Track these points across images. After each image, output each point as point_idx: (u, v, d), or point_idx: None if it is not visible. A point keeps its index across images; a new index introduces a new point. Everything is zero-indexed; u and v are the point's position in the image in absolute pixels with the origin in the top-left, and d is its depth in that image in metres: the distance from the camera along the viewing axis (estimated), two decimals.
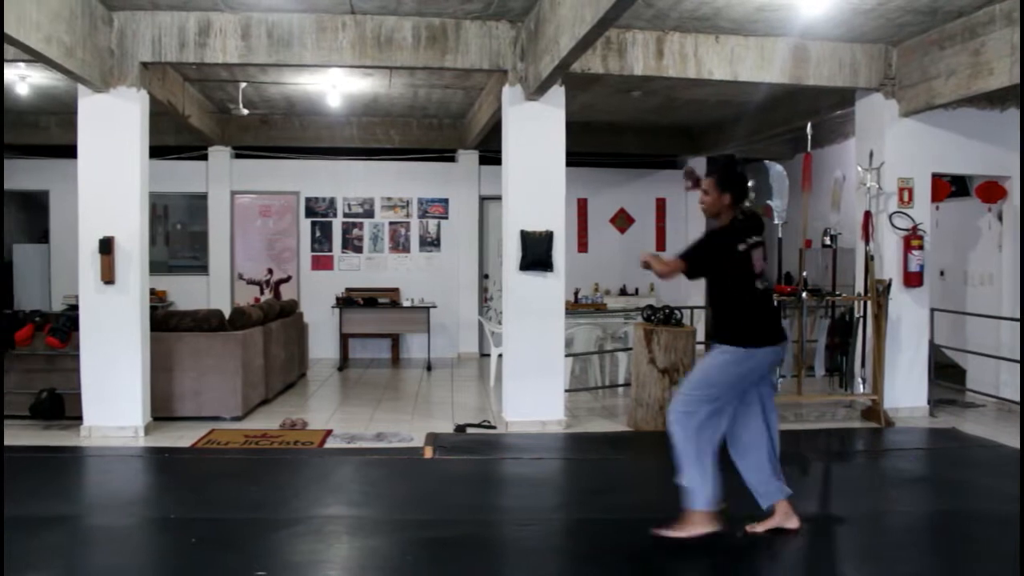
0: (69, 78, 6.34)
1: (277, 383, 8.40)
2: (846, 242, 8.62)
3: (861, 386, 7.46)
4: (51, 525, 4.49)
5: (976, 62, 6.38)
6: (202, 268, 11.65)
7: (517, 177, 6.94)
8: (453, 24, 6.78)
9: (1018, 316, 7.44)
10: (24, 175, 11.34)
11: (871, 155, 7.48)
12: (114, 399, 6.58)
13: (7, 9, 4.88)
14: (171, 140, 10.71)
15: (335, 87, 9.20)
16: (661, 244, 12.33)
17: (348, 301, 10.89)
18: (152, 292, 8.57)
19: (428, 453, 6.15)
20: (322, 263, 11.77)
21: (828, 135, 10.76)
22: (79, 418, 6.65)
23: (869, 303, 7.38)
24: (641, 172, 12.21)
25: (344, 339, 11.04)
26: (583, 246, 12.15)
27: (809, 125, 7.88)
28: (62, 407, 6.82)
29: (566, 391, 7.24)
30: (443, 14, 6.68)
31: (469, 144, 11.33)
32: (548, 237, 6.85)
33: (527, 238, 6.83)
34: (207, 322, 7.34)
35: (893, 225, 7.44)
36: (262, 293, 11.62)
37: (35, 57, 5.54)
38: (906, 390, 7.51)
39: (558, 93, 6.88)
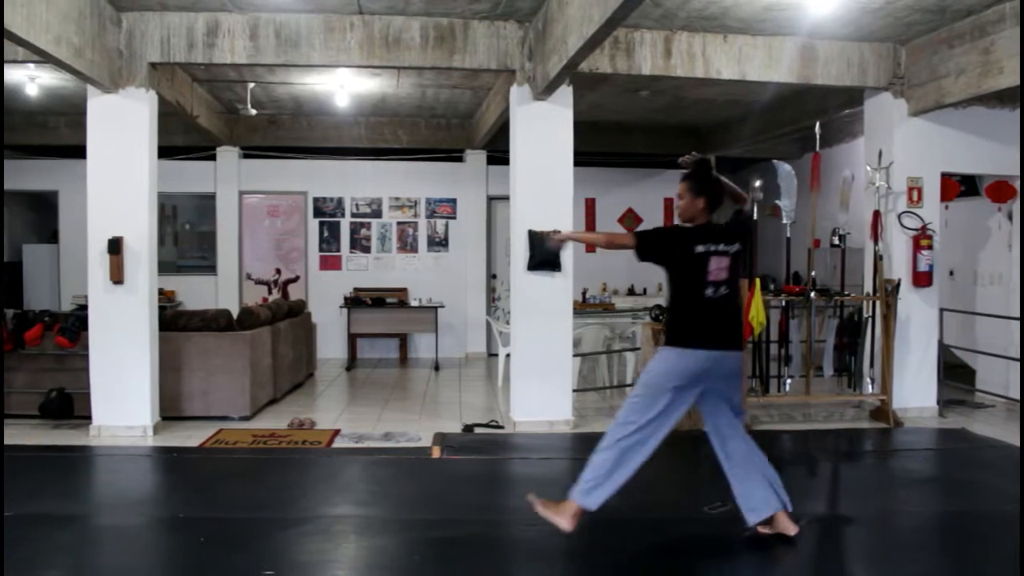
0: (78, 79, 6.36)
1: (285, 383, 8.41)
2: (855, 242, 8.60)
3: (870, 386, 7.43)
4: (60, 524, 4.51)
5: (986, 61, 6.35)
6: (210, 268, 11.67)
7: (525, 177, 6.94)
8: (461, 24, 6.78)
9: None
10: (33, 175, 11.39)
11: (880, 154, 7.45)
12: (123, 399, 6.60)
13: (17, 11, 4.91)
14: (179, 140, 10.74)
15: (343, 87, 9.21)
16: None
17: (356, 301, 10.90)
18: (161, 292, 8.61)
19: (436, 453, 6.15)
20: (330, 263, 11.78)
21: (837, 134, 10.73)
22: (88, 417, 6.67)
23: (878, 303, 7.35)
24: (649, 172, 12.19)
25: (352, 339, 11.06)
26: (591, 246, 12.13)
27: (817, 124, 7.85)
28: (71, 406, 6.85)
29: (574, 391, 7.23)
30: (451, 14, 6.68)
31: (477, 144, 11.33)
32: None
33: (535, 238, 6.82)
34: (215, 322, 7.35)
35: (902, 225, 7.42)
36: (270, 293, 11.64)
37: (44, 58, 5.57)
38: (915, 390, 7.48)
39: (566, 93, 6.87)
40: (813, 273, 7.66)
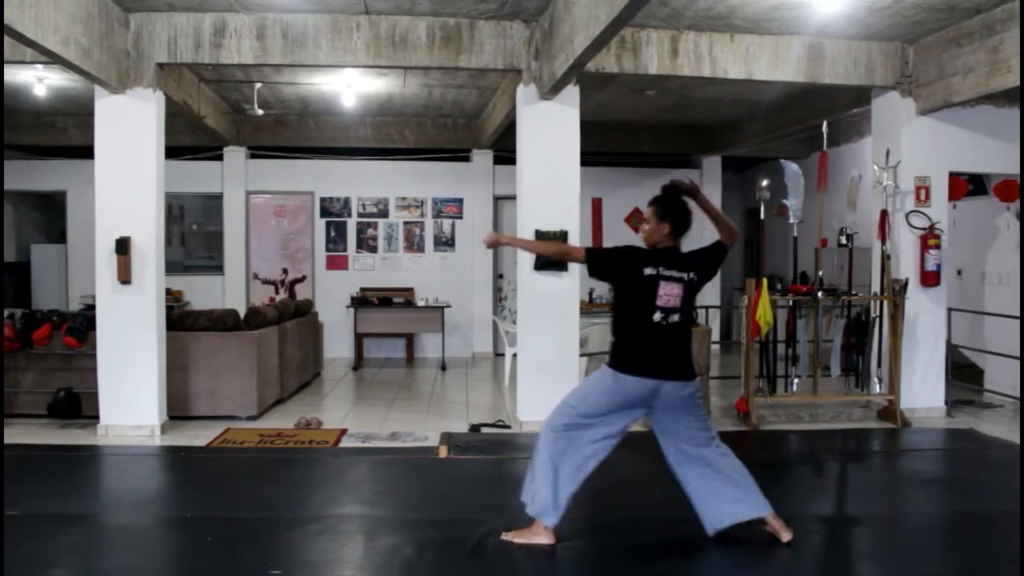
0: (86, 79, 6.37)
1: (292, 382, 8.43)
2: (862, 241, 8.57)
3: (877, 386, 7.41)
4: (68, 523, 4.52)
5: (995, 59, 6.33)
6: (217, 268, 11.70)
7: (531, 177, 6.93)
8: (467, 24, 6.78)
9: None
10: (42, 176, 11.44)
11: (887, 153, 7.44)
12: (130, 398, 6.62)
13: (25, 12, 4.93)
14: (186, 140, 10.77)
15: (350, 87, 9.23)
16: None
17: (363, 301, 10.91)
18: (168, 292, 8.63)
19: (442, 452, 6.16)
20: (337, 263, 11.79)
21: (844, 134, 10.70)
22: (96, 417, 6.69)
23: (885, 303, 7.33)
24: (655, 171, 12.15)
25: (359, 339, 11.07)
26: (598, 246, 12.12)
27: (825, 124, 7.84)
28: (79, 406, 6.87)
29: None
30: (457, 14, 6.68)
31: (483, 144, 11.33)
32: (563, 237, 6.84)
33: (542, 238, 6.81)
34: (222, 322, 7.37)
35: (910, 224, 7.40)
36: (277, 293, 11.66)
37: (53, 59, 5.59)
38: (923, 390, 7.46)
39: (572, 92, 6.87)
40: (820, 273, 7.64)
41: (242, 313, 7.73)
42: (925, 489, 5.53)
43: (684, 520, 4.16)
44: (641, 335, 4.02)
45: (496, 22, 6.80)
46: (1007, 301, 8.35)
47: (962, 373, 8.37)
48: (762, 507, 4.11)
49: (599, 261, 4.16)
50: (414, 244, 11.89)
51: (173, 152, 8.12)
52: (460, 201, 11.92)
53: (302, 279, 11.77)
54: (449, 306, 10.93)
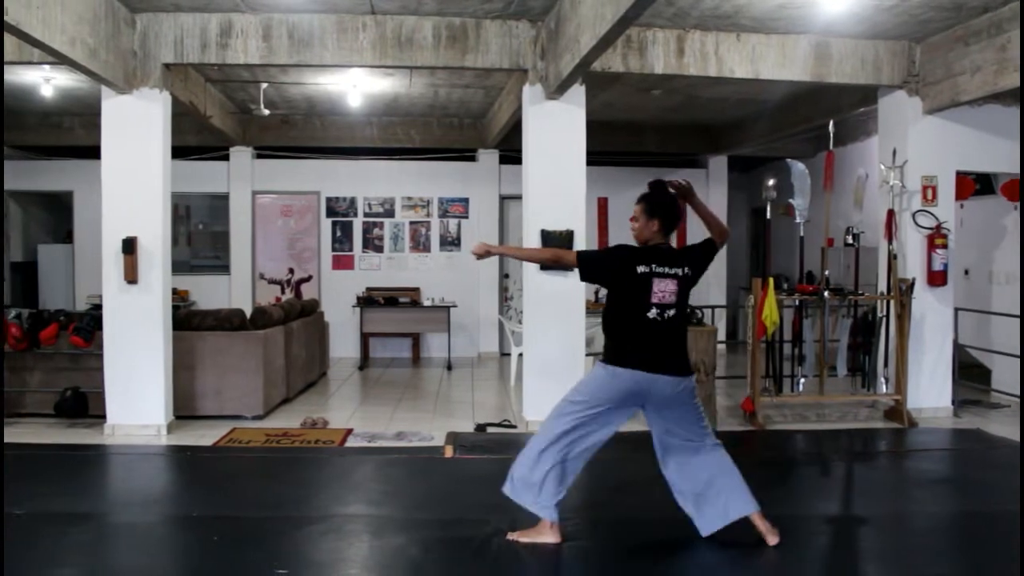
0: (93, 80, 6.39)
1: (298, 382, 8.44)
2: (869, 241, 8.55)
3: (884, 386, 7.39)
4: (75, 522, 4.53)
5: (1003, 58, 6.30)
6: (224, 268, 11.72)
7: (537, 176, 6.93)
8: (473, 24, 6.78)
9: None
10: (48, 176, 11.48)
11: (894, 153, 7.42)
12: (137, 398, 6.63)
13: (33, 13, 4.95)
14: (193, 140, 10.79)
15: (356, 87, 9.23)
16: (681, 243, 12.22)
17: (369, 300, 10.92)
18: (174, 292, 8.65)
19: (448, 452, 6.16)
20: (343, 263, 11.81)
21: (851, 133, 10.67)
22: (103, 416, 6.71)
23: (892, 302, 7.31)
24: (661, 171, 12.01)
25: (365, 338, 11.08)
26: (603, 245, 12.10)
27: (831, 123, 7.82)
28: (86, 405, 6.88)
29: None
30: (463, 14, 6.68)
31: (489, 143, 11.33)
32: (568, 236, 6.84)
33: (547, 237, 6.82)
34: (229, 321, 7.38)
35: (916, 223, 7.38)
36: (283, 292, 11.68)
37: (60, 59, 5.60)
38: (930, 390, 7.44)
39: (578, 92, 6.86)
40: (827, 272, 7.62)
41: (248, 313, 7.74)
42: (932, 489, 5.52)
43: (689, 519, 4.16)
44: (636, 332, 4.01)
45: (502, 22, 6.80)
46: (1014, 301, 8.32)
47: (969, 373, 8.34)
48: (749, 505, 4.09)
49: (590, 264, 4.16)
50: (420, 244, 11.90)
51: (179, 152, 8.14)
52: (466, 201, 11.92)
53: (308, 279, 11.79)
54: (455, 306, 10.93)
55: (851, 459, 6.27)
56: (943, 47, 6.97)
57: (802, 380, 7.37)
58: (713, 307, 10.53)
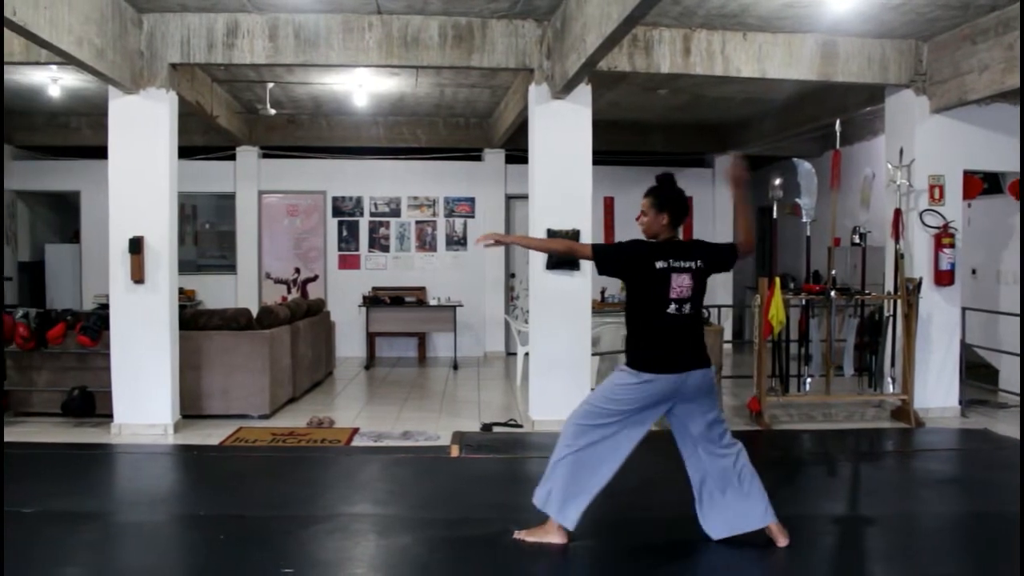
0: (100, 80, 6.41)
1: (304, 381, 8.45)
2: (875, 240, 8.53)
3: (891, 386, 7.38)
4: (82, 521, 4.54)
5: (1010, 56, 6.28)
6: (230, 267, 11.74)
7: (543, 176, 6.93)
8: (479, 23, 6.78)
9: None
10: (56, 176, 11.51)
11: (901, 152, 7.40)
12: (144, 397, 6.64)
13: (40, 13, 4.96)
14: (199, 140, 10.81)
15: (362, 87, 9.24)
16: (688, 236, 12.22)
17: (375, 300, 10.93)
18: (181, 291, 8.66)
19: (454, 452, 6.16)
20: (349, 262, 11.82)
21: (857, 132, 10.65)
22: (110, 416, 6.72)
23: (899, 302, 7.29)
24: (667, 170, 12.12)
25: (371, 338, 11.09)
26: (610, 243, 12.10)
27: (838, 122, 7.80)
28: (93, 405, 6.90)
29: (593, 390, 7.20)
30: (469, 13, 6.68)
31: (495, 143, 11.33)
32: (575, 236, 6.83)
33: (554, 237, 6.81)
34: (235, 321, 7.39)
35: (923, 223, 7.35)
36: (289, 292, 11.70)
37: (67, 59, 5.62)
38: (937, 390, 7.42)
39: (584, 92, 6.86)
40: (833, 272, 7.61)
41: (255, 312, 7.75)
42: (939, 489, 5.50)
43: (695, 519, 4.15)
44: (657, 330, 4.00)
45: (508, 21, 6.80)
46: None
47: (976, 373, 8.31)
48: (765, 518, 4.07)
49: (609, 258, 4.12)
50: (426, 243, 11.91)
51: (186, 152, 8.16)
52: (472, 200, 11.92)
53: (314, 278, 11.80)
54: (461, 305, 10.93)
55: (857, 459, 6.25)
56: (950, 46, 6.94)
57: (808, 380, 7.35)
58: (719, 307, 10.52)
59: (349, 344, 11.25)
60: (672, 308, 3.97)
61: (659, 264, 3.97)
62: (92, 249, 11.12)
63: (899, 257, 7.35)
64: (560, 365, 6.88)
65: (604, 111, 8.98)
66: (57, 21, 5.18)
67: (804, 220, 7.56)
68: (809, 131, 10.11)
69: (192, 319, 7.40)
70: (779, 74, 7.02)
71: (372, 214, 11.84)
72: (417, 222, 11.90)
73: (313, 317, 8.98)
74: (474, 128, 11.63)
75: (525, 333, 8.33)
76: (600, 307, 8.82)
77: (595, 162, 7.00)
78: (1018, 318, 7.87)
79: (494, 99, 10.18)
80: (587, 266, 6.88)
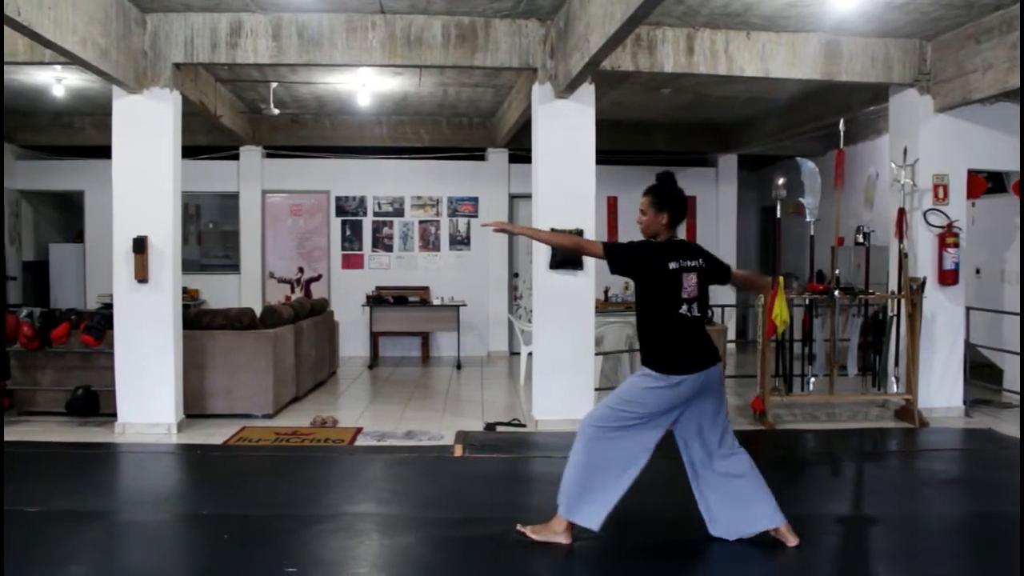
0: (104, 79, 6.42)
1: (308, 381, 8.45)
2: (879, 240, 8.52)
3: (895, 385, 7.37)
4: (86, 520, 4.55)
5: (1014, 55, 6.26)
6: (234, 267, 11.75)
7: (547, 175, 6.93)
8: (483, 23, 6.78)
9: None
10: (60, 176, 11.53)
11: (905, 151, 7.38)
12: (148, 396, 6.65)
13: (44, 13, 4.97)
14: (203, 140, 10.82)
15: (365, 86, 9.25)
16: (690, 238, 12.22)
17: (378, 299, 10.94)
18: (185, 291, 8.66)
19: (458, 451, 6.16)
20: (352, 262, 11.82)
21: (861, 131, 10.63)
22: (113, 415, 6.73)
23: (903, 301, 7.28)
24: (671, 169, 12.11)
25: (374, 337, 11.10)
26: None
27: (842, 121, 7.78)
28: (97, 404, 6.91)
29: (596, 390, 7.21)
30: (472, 13, 6.68)
31: (499, 143, 11.33)
32: (578, 235, 6.82)
33: None
34: (239, 320, 7.40)
35: (927, 222, 7.34)
36: (293, 292, 11.70)
37: (71, 59, 5.62)
38: (941, 390, 7.41)
39: (588, 91, 6.86)
40: (837, 271, 7.60)
41: (258, 312, 7.76)
42: (942, 489, 5.50)
43: (700, 519, 4.15)
44: (675, 330, 4.00)
45: (511, 21, 6.80)
46: None
47: (981, 372, 8.30)
48: (774, 519, 4.07)
49: (622, 257, 4.10)
50: (429, 243, 11.91)
51: (190, 152, 8.16)
52: (475, 200, 11.93)
53: (318, 278, 11.81)
54: (464, 305, 10.94)
55: (861, 459, 6.25)
56: (954, 45, 6.93)
57: (812, 379, 7.34)
58: (723, 306, 10.51)
59: (352, 344, 11.26)
60: (684, 308, 3.98)
61: (672, 264, 3.97)
62: (96, 249, 11.13)
63: (903, 257, 7.33)
64: (564, 365, 6.88)
65: (607, 110, 8.98)
66: (61, 21, 5.19)
67: (808, 219, 7.55)
68: (813, 130, 10.10)
69: (196, 319, 7.41)
70: (783, 73, 7.01)
71: (376, 214, 11.85)
72: (420, 222, 11.90)
73: (316, 317, 8.99)
74: (477, 128, 11.63)
75: (528, 333, 8.33)
76: (604, 306, 8.83)
77: (598, 161, 6.99)
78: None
79: (497, 98, 10.18)
80: (590, 265, 6.89)
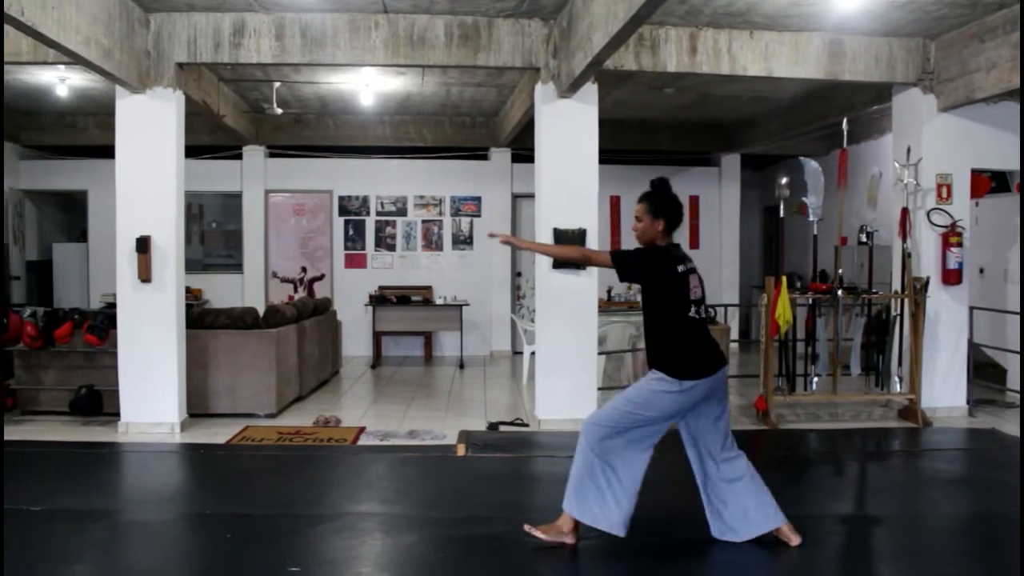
0: (107, 79, 6.42)
1: (311, 380, 8.46)
2: (883, 239, 8.51)
3: (898, 385, 7.36)
4: (89, 519, 4.56)
5: (1018, 55, 6.25)
6: (237, 266, 11.76)
7: (550, 175, 6.93)
8: (485, 22, 6.78)
9: None
10: (63, 175, 11.55)
11: (908, 151, 7.37)
12: (151, 396, 6.66)
13: (48, 13, 4.98)
14: (206, 140, 10.84)
15: (368, 86, 9.25)
16: (695, 242, 12.25)
17: (381, 299, 10.94)
18: (188, 290, 8.69)
19: (461, 451, 6.16)
20: (355, 261, 11.83)
21: (864, 131, 10.62)
22: (117, 414, 6.74)
23: (906, 301, 7.27)
24: (674, 169, 12.11)
25: (377, 337, 11.10)
26: (616, 244, 12.06)
27: (845, 121, 7.77)
28: (100, 403, 6.92)
29: (599, 389, 7.21)
30: (475, 12, 6.69)
31: (502, 142, 11.33)
32: (581, 235, 6.83)
33: (560, 236, 6.81)
34: (242, 320, 7.41)
35: (931, 222, 7.33)
36: (296, 291, 11.71)
37: (74, 59, 5.63)
38: (944, 389, 7.40)
39: (591, 91, 6.85)
40: (840, 271, 7.59)
41: (261, 311, 7.76)
42: (946, 489, 5.49)
43: (703, 519, 4.15)
44: (686, 333, 4.00)
45: (514, 20, 6.79)
46: None
47: (984, 372, 8.28)
48: (776, 519, 4.07)
49: (633, 265, 4.09)
50: (432, 242, 11.91)
51: (193, 151, 8.18)
52: (478, 199, 11.93)
53: (321, 277, 11.82)
54: (467, 304, 10.94)
55: (864, 458, 6.24)
56: (958, 44, 6.92)
57: (815, 379, 7.34)
58: (726, 306, 10.51)
59: (355, 343, 11.27)
60: (692, 311, 4.00)
61: (680, 268, 4.00)
62: (99, 248, 11.15)
63: (906, 256, 7.33)
64: (567, 364, 6.89)
65: (610, 110, 8.98)
66: (65, 21, 5.20)
67: (811, 219, 7.54)
68: (816, 130, 10.09)
69: (199, 318, 7.41)
70: (786, 73, 7.00)
71: (378, 213, 11.85)
72: (423, 221, 11.90)
73: (319, 316, 9.00)
74: (480, 127, 11.64)
75: (531, 332, 8.33)
76: (606, 306, 8.82)
77: (601, 161, 6.99)
78: None
79: (500, 98, 10.18)
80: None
